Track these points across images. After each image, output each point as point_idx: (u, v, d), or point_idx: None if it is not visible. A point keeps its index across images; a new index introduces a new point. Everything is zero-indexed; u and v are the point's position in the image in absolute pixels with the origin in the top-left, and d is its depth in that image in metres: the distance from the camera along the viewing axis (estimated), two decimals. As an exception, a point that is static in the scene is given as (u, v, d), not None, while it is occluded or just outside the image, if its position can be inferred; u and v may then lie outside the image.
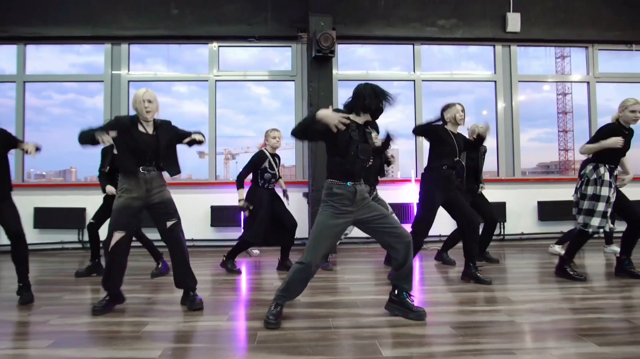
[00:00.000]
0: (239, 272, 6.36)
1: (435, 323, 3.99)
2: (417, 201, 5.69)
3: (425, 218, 5.54)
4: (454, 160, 5.56)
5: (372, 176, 6.27)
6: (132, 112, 4.56)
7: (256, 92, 9.84)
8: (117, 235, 4.29)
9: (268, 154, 6.35)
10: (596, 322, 3.95)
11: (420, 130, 5.80)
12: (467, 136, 6.42)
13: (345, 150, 3.90)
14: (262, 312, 4.28)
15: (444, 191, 5.50)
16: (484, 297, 4.90)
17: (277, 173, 6.38)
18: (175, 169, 4.65)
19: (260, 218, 6.14)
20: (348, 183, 3.93)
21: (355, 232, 6.31)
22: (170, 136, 4.59)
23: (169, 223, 4.47)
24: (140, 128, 4.44)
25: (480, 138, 5.85)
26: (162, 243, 4.63)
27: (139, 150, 4.38)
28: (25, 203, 8.38)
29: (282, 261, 6.55)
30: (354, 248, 8.54)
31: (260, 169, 6.29)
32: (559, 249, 7.41)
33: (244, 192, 6.21)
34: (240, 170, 6.32)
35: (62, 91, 9.52)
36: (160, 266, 6.30)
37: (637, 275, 5.64)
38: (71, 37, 8.94)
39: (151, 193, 4.43)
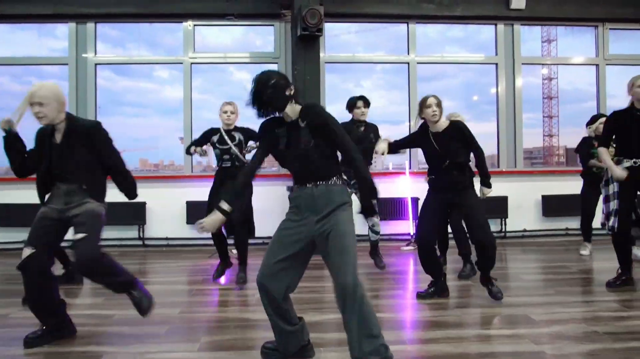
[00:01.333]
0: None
1: (450, 356, 3.29)
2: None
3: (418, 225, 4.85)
4: (442, 167, 4.62)
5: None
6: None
7: (238, 77, 9.27)
8: (27, 251, 3.50)
9: (221, 129, 5.68)
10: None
11: (394, 150, 5.04)
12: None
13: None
14: (240, 337, 3.69)
15: (444, 195, 4.67)
16: (501, 316, 4.21)
17: (231, 147, 5.59)
18: (96, 193, 3.74)
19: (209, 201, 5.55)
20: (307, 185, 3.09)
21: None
22: (82, 145, 3.68)
23: (77, 236, 3.53)
24: (53, 137, 3.68)
25: None
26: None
27: (50, 163, 3.64)
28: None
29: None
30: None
31: (210, 143, 5.71)
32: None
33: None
34: None
35: (42, 76, 8.96)
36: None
37: None
38: (31, 15, 8.13)
39: (70, 206, 3.63)
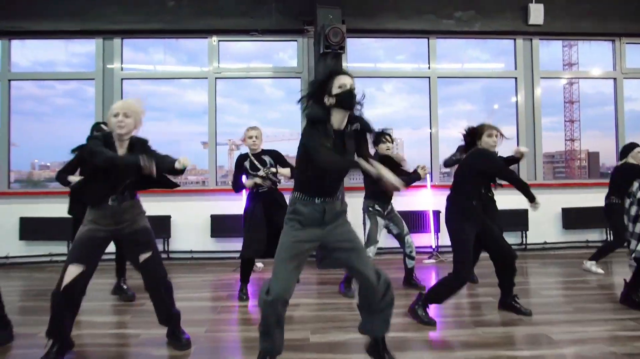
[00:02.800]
0: (247, 299, 5.62)
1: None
2: (450, 237, 4.68)
3: (461, 258, 4.57)
4: (482, 192, 4.83)
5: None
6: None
7: (259, 82, 9.33)
8: (74, 270, 3.52)
9: (249, 154, 5.60)
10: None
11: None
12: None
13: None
14: None
15: (475, 223, 4.62)
16: (521, 335, 4.26)
17: (265, 176, 5.50)
18: (169, 184, 4.01)
19: (253, 228, 5.43)
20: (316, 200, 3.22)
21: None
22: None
23: (142, 257, 3.80)
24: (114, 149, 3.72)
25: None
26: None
27: (110, 176, 3.67)
28: (10, 213, 7.88)
29: None
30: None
31: (243, 170, 5.58)
32: (594, 267, 6.67)
33: (249, 182, 5.53)
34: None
35: (63, 81, 9.09)
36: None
37: None
38: (59, 31, 8.31)
39: (122, 225, 3.77)
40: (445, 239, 7.96)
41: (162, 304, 3.93)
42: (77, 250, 3.63)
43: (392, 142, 5.85)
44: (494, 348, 3.94)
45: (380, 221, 5.73)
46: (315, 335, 4.24)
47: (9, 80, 8.38)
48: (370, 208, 5.75)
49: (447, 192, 4.77)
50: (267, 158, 5.57)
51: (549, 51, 9.45)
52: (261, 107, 9.80)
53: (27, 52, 8.77)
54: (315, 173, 3.14)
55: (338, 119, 3.17)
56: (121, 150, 3.73)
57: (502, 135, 4.79)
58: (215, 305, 5.46)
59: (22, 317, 4.89)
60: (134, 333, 4.43)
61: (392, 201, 5.92)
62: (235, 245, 7.65)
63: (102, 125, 5.43)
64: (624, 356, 3.72)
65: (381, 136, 5.65)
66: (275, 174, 5.53)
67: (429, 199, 8.04)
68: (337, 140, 3.16)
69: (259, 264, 7.30)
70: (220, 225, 7.99)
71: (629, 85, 9.26)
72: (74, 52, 8.99)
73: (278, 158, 5.60)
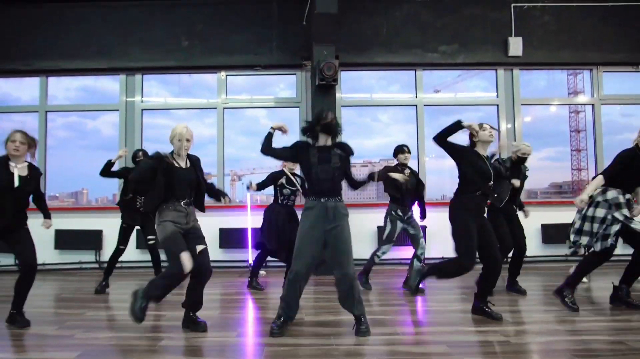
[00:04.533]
0: (262, 289, 6.87)
1: (432, 342, 4.20)
2: (452, 231, 4.99)
3: (466, 248, 4.85)
4: (488, 185, 4.99)
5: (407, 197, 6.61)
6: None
7: (254, 113, 10.26)
8: (185, 255, 4.39)
9: (287, 172, 6.78)
10: (591, 344, 4.06)
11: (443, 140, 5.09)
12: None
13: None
14: (268, 330, 4.57)
15: (476, 217, 4.91)
16: (481, 318, 5.00)
17: (298, 189, 6.75)
18: (202, 206, 4.90)
19: (276, 229, 6.58)
20: (322, 199, 4.42)
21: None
22: (201, 173, 4.87)
23: (199, 247, 4.62)
24: (176, 163, 4.66)
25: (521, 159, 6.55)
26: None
27: (180, 184, 4.60)
28: (47, 225, 8.88)
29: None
30: (357, 269, 8.54)
31: (278, 185, 6.75)
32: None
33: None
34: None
35: (63, 114, 10.03)
36: None
37: (635, 305, 5.32)
38: (88, 69, 9.45)
39: (189, 224, 4.66)
40: (431, 251, 8.71)
41: (196, 290, 4.71)
42: (177, 242, 4.48)
43: (409, 153, 6.72)
44: (456, 326, 4.77)
45: (400, 225, 6.57)
46: (309, 316, 5.23)
47: (46, 112, 9.55)
48: (393, 212, 6.62)
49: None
50: (298, 179, 6.83)
51: (552, 78, 10.28)
52: (257, 138, 10.38)
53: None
54: (310, 179, 4.50)
55: (323, 139, 4.56)
56: (182, 163, 4.71)
57: (492, 128, 5.14)
58: (224, 298, 6.51)
59: (62, 310, 5.89)
60: (159, 314, 5.38)
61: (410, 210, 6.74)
62: (241, 255, 8.72)
63: (140, 152, 6.91)
64: (565, 331, 4.49)
65: (401, 148, 6.68)
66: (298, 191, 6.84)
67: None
68: (322, 154, 4.48)
69: (262, 271, 8.16)
70: (228, 238, 8.94)
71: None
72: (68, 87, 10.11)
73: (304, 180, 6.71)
